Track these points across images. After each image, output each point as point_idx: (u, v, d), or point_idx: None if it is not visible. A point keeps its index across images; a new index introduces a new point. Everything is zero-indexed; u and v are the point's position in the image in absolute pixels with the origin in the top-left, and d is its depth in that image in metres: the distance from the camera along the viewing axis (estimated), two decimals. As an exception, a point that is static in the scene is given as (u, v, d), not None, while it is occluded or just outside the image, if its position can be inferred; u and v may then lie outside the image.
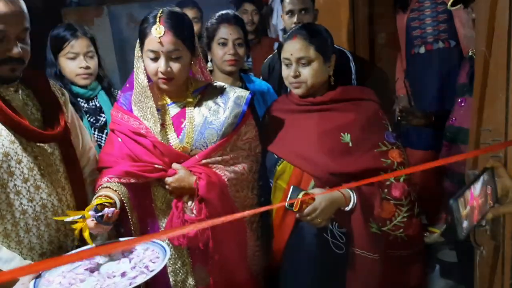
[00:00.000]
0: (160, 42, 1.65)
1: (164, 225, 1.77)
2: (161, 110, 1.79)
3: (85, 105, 2.21)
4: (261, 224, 1.94)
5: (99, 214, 1.47)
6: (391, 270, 1.85)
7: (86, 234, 1.48)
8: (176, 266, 1.79)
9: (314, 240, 1.82)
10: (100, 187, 1.69)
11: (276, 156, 1.91)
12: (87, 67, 2.18)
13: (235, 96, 1.83)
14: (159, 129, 1.74)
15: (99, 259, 1.49)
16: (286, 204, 1.71)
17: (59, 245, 1.57)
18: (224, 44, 2.21)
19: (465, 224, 1.04)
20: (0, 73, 1.44)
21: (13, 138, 1.46)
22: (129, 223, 1.72)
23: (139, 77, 1.75)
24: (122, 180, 1.70)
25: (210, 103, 1.82)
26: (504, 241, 1.14)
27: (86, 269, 1.45)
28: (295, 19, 2.63)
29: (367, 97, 1.96)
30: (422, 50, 2.92)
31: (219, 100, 1.83)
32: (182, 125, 1.78)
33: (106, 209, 1.50)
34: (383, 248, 1.82)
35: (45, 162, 1.54)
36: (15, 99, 1.51)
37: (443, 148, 2.32)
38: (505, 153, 1.15)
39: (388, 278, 1.85)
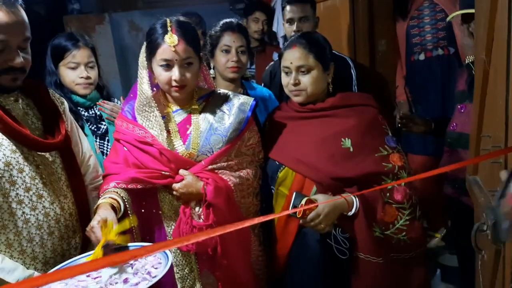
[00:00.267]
0: (175, 51, 1.67)
1: (171, 232, 1.78)
2: (166, 117, 1.80)
3: (86, 113, 2.21)
4: (262, 230, 1.95)
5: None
6: (395, 273, 1.85)
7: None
8: (184, 272, 1.80)
9: (317, 246, 1.82)
10: (105, 191, 1.69)
11: (277, 163, 1.93)
12: (88, 77, 2.18)
13: (239, 103, 1.86)
14: (165, 137, 1.75)
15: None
16: (290, 210, 1.72)
17: (62, 254, 1.56)
18: (227, 52, 2.24)
19: (507, 224, 1.02)
20: (2, 83, 1.44)
21: (14, 147, 1.45)
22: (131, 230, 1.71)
23: (143, 86, 1.77)
24: (129, 186, 1.71)
25: (215, 109, 1.84)
26: (505, 245, 1.15)
27: (88, 276, 1.43)
28: (295, 27, 2.65)
29: (367, 103, 1.98)
30: (421, 57, 2.94)
31: (224, 106, 1.85)
32: (188, 132, 1.80)
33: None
34: (386, 252, 1.83)
35: (46, 171, 1.54)
36: (15, 109, 1.51)
37: (444, 154, 2.33)
38: (505, 159, 1.16)
39: (392, 281, 1.86)
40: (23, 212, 1.46)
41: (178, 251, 1.78)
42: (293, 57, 1.88)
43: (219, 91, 1.92)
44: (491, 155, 1.18)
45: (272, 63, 2.81)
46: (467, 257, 1.84)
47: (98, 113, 2.25)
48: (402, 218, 1.83)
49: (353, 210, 1.79)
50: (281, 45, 3.86)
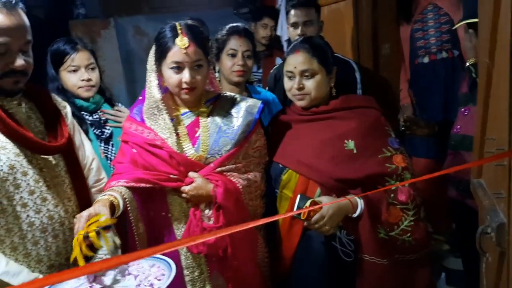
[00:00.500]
0: (186, 53, 1.69)
1: (181, 234, 1.78)
2: (175, 120, 1.81)
3: (90, 118, 2.19)
4: (266, 232, 1.96)
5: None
6: (400, 275, 1.85)
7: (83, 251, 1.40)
8: (194, 275, 1.80)
9: (322, 248, 1.82)
10: (109, 188, 1.69)
11: (281, 166, 1.93)
12: (89, 79, 2.16)
13: (247, 105, 1.87)
14: (175, 139, 1.76)
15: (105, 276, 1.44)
16: (295, 212, 1.72)
17: (66, 257, 1.55)
18: (233, 56, 2.25)
19: None
20: (4, 86, 1.45)
21: (18, 150, 1.46)
22: (132, 234, 1.72)
23: (152, 90, 1.78)
24: (138, 184, 1.71)
25: (222, 112, 1.85)
26: (509, 248, 1.15)
27: (91, 287, 1.41)
28: (299, 31, 2.65)
29: (369, 105, 1.99)
30: (426, 60, 2.94)
31: (232, 109, 1.86)
32: (197, 134, 1.81)
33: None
34: (391, 253, 1.83)
35: (50, 174, 1.54)
36: (18, 112, 1.52)
37: (447, 156, 2.33)
38: (510, 161, 1.16)
39: (397, 283, 1.86)
40: (28, 215, 1.46)
41: (189, 253, 1.78)
42: (296, 61, 1.89)
43: (226, 94, 1.94)
44: (495, 157, 1.18)
45: (276, 66, 2.82)
46: (472, 260, 1.84)
47: (103, 117, 2.24)
48: (406, 219, 1.83)
49: (358, 212, 1.79)
50: (285, 49, 3.87)
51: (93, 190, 1.76)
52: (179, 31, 1.70)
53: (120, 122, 2.17)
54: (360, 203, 1.79)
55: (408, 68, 3.07)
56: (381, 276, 1.82)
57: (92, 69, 2.20)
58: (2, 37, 1.38)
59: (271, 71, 2.80)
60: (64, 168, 1.60)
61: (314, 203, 1.72)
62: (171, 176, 1.74)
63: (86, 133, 2.01)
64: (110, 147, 2.22)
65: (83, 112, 2.18)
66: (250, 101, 1.90)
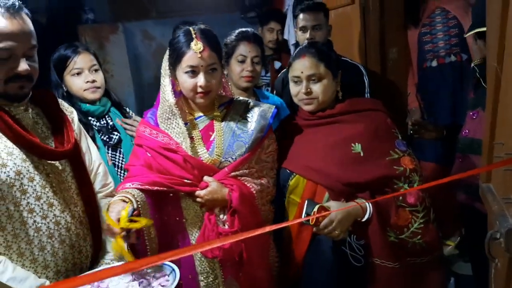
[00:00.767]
0: (201, 57, 1.70)
1: (195, 239, 1.78)
2: (189, 124, 1.82)
3: (97, 124, 2.18)
4: (274, 237, 1.96)
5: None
6: (411, 278, 1.84)
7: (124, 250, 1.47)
8: (209, 280, 1.80)
9: (332, 253, 1.81)
10: (121, 191, 1.69)
11: (288, 171, 1.93)
12: (94, 81, 2.16)
13: (260, 110, 1.87)
14: (189, 144, 1.76)
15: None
16: (303, 218, 1.72)
17: (73, 262, 1.56)
18: (242, 61, 2.26)
19: None
20: (9, 91, 1.44)
21: (24, 156, 1.45)
22: (143, 239, 1.71)
23: (166, 94, 1.79)
24: (152, 187, 1.71)
25: (236, 116, 1.86)
26: (518, 254, 1.14)
27: None
28: (308, 35, 2.65)
29: (375, 107, 1.98)
30: (434, 63, 2.94)
31: (246, 113, 1.87)
32: (211, 138, 1.81)
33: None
34: (402, 256, 1.82)
35: (57, 179, 1.54)
36: (25, 118, 1.51)
37: (456, 160, 2.32)
38: (518, 166, 1.16)
39: (408, 287, 1.85)
40: (34, 221, 1.46)
41: (203, 258, 1.78)
42: (303, 66, 1.89)
43: (239, 99, 1.94)
44: (504, 162, 1.17)
45: (284, 70, 2.83)
46: (481, 265, 1.83)
47: (111, 123, 2.23)
48: (416, 221, 1.82)
49: (367, 216, 1.78)
50: (292, 53, 3.88)
51: (99, 195, 1.75)
52: (193, 36, 1.71)
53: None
54: (369, 207, 1.79)
55: (415, 72, 3.07)
56: (392, 280, 1.82)
57: (96, 70, 2.20)
58: (5, 42, 1.38)
59: (279, 75, 2.81)
60: (71, 174, 1.60)
61: (322, 208, 1.72)
62: (186, 180, 1.74)
63: (93, 139, 2.00)
64: (118, 153, 2.20)
65: (90, 118, 2.18)
66: (264, 106, 1.91)
